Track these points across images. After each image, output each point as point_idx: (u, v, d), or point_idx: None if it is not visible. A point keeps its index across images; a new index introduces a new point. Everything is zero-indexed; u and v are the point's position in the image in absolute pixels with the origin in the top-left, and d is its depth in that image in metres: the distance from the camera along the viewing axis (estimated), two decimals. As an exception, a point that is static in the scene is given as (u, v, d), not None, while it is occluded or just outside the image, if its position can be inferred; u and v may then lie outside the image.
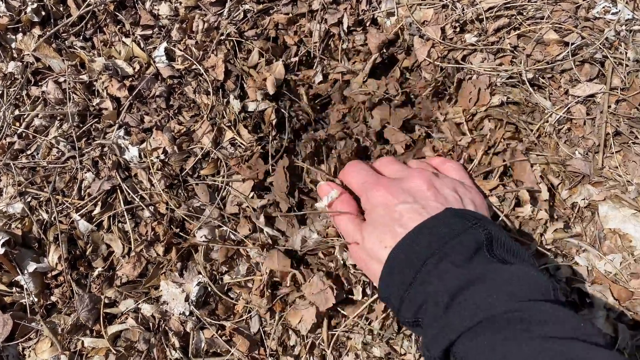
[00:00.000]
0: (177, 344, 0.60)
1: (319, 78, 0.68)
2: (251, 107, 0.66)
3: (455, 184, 0.52)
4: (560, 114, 0.61)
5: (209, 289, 0.60)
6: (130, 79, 0.67)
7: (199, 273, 0.60)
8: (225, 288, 0.62)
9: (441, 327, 0.39)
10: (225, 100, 0.66)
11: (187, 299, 0.60)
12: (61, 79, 0.67)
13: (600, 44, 0.62)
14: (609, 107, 0.61)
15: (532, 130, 0.61)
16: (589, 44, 0.63)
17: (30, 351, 0.62)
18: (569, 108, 0.62)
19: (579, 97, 0.62)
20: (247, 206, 0.61)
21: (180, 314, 0.60)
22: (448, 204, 0.48)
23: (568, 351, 0.34)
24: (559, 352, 0.33)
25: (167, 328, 0.60)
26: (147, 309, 0.61)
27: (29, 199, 0.63)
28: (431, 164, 0.58)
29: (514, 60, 0.65)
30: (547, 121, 0.62)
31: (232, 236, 0.61)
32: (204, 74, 0.66)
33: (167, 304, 0.61)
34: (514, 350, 0.35)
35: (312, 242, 0.58)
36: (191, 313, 0.60)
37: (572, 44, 0.63)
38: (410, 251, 0.44)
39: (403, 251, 0.45)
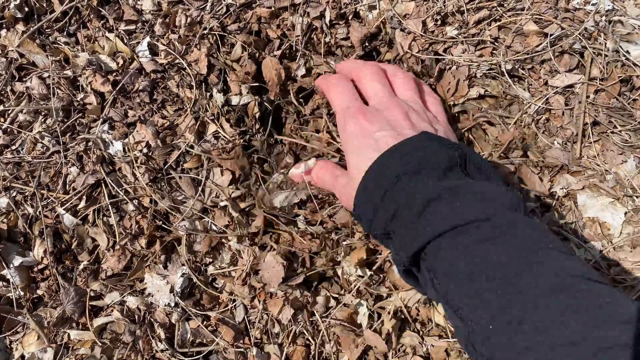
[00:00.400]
0: (162, 335, 0.61)
1: (301, 71, 0.68)
2: (234, 100, 0.67)
3: (431, 120, 0.53)
4: (539, 105, 0.62)
5: (193, 279, 0.61)
6: (114, 73, 0.67)
7: (183, 265, 0.60)
8: (210, 278, 0.63)
9: (412, 232, 0.40)
10: (209, 94, 0.66)
11: (171, 290, 0.61)
12: (45, 75, 0.67)
13: (579, 34, 0.63)
14: (588, 97, 0.62)
15: (507, 125, 0.62)
16: (568, 35, 0.64)
17: (17, 344, 0.63)
18: (547, 99, 0.62)
19: (557, 87, 0.62)
20: (224, 198, 0.62)
21: (165, 305, 0.61)
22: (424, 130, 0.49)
23: (543, 257, 0.35)
24: (532, 253, 0.35)
25: (152, 320, 0.61)
26: (132, 302, 0.62)
27: (14, 194, 0.64)
28: (417, 84, 0.59)
29: (495, 52, 0.66)
30: (526, 112, 0.62)
31: (214, 227, 0.62)
32: (187, 68, 0.66)
33: (152, 295, 0.61)
34: (488, 250, 0.36)
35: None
36: (176, 304, 0.61)
37: (552, 34, 0.64)
38: (385, 167, 0.45)
39: (378, 168, 0.46)
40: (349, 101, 0.55)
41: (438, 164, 0.43)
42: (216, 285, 0.62)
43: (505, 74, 0.63)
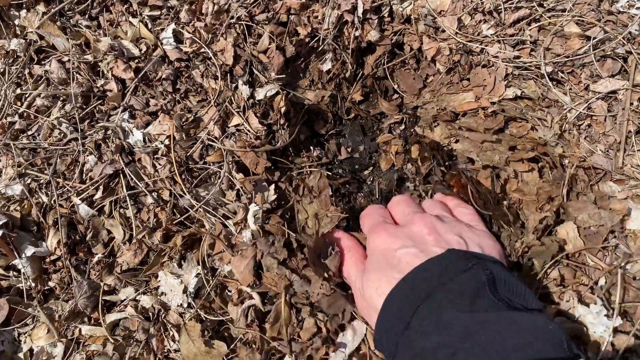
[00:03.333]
0: (176, 337, 0.58)
1: (327, 66, 0.66)
2: (260, 94, 0.64)
3: (461, 229, 0.49)
4: (580, 110, 0.59)
5: (208, 281, 0.58)
6: (137, 60, 0.65)
7: (198, 264, 0.58)
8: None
9: None
10: (234, 85, 0.64)
11: (185, 290, 0.58)
12: (65, 59, 0.65)
13: (623, 38, 0.60)
14: (632, 104, 0.59)
15: (548, 127, 0.59)
16: (611, 39, 0.61)
17: (26, 337, 0.60)
18: (589, 104, 0.60)
19: (600, 93, 0.60)
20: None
21: (178, 305, 0.59)
22: (450, 248, 0.46)
23: None
24: None
25: (165, 321, 0.59)
26: (146, 301, 0.59)
27: (28, 181, 0.62)
28: (447, 204, 0.57)
29: (533, 53, 0.63)
30: (566, 117, 0.60)
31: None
32: (213, 57, 0.64)
33: (165, 295, 0.59)
34: None
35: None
36: (189, 305, 0.58)
37: (594, 37, 0.61)
38: (405, 295, 0.42)
39: (398, 296, 0.43)
40: (375, 221, 0.54)
41: (463, 290, 0.39)
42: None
43: (546, 76, 0.60)
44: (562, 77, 0.62)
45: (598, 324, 0.50)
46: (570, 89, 0.62)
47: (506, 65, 0.62)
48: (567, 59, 0.61)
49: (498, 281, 0.41)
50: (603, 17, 0.63)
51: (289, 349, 0.50)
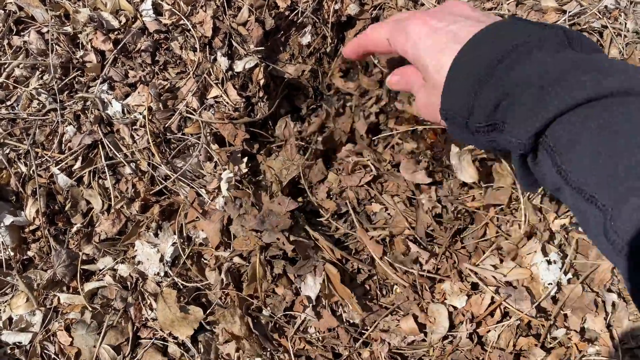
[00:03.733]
0: (154, 305, 0.59)
1: (306, 39, 0.66)
2: (239, 66, 0.64)
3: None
4: None
5: (184, 250, 0.59)
6: (116, 32, 0.65)
7: (174, 233, 0.58)
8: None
9: (531, 112, 0.30)
10: (213, 57, 0.64)
11: (161, 259, 0.59)
12: (44, 30, 0.65)
13: (597, 11, 0.60)
14: None
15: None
16: (587, 12, 0.61)
17: (5, 306, 0.61)
18: None
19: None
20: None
21: (155, 274, 0.59)
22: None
23: None
24: None
25: (143, 290, 0.59)
26: (124, 270, 0.60)
27: (7, 151, 0.62)
28: None
29: None
30: None
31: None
32: (192, 29, 0.64)
33: (142, 264, 0.59)
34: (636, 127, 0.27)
35: None
36: (166, 274, 0.59)
37: (570, 12, 0.61)
38: (477, 53, 0.34)
39: (468, 55, 0.35)
40: (394, 19, 0.43)
41: (545, 41, 0.33)
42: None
43: None
44: None
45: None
46: None
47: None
48: None
49: (576, 39, 0.35)
50: (580, -9, 0.63)
51: (264, 303, 0.51)
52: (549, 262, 0.54)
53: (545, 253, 0.55)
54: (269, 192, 0.55)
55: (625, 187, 0.27)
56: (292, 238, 0.52)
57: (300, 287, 0.52)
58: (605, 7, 0.61)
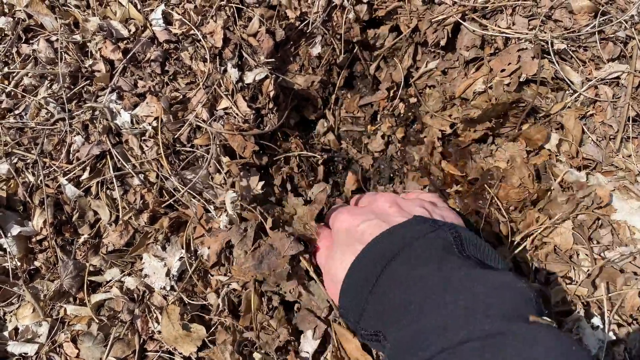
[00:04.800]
0: (160, 318, 0.58)
1: (317, 50, 0.65)
2: (249, 78, 0.64)
3: (424, 204, 0.48)
4: (586, 94, 0.58)
5: (191, 265, 0.58)
6: (125, 41, 0.64)
7: (182, 247, 0.58)
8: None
9: (409, 344, 0.34)
10: (223, 68, 0.63)
11: (168, 273, 0.58)
12: (53, 38, 0.64)
13: (624, 21, 0.59)
14: (636, 88, 0.58)
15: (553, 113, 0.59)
16: (613, 21, 0.60)
17: (11, 316, 0.61)
18: (596, 87, 0.59)
19: (603, 79, 0.59)
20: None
21: (161, 288, 0.59)
22: (415, 215, 0.45)
23: None
24: None
25: (149, 303, 0.59)
26: (131, 282, 0.59)
27: (15, 160, 0.61)
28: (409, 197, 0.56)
29: (542, 26, 0.62)
30: (575, 102, 0.59)
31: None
32: (202, 40, 0.63)
33: (149, 277, 0.59)
34: None
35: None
36: (172, 288, 0.58)
37: (600, 15, 0.60)
38: (370, 259, 0.41)
39: (362, 262, 0.41)
40: (338, 208, 0.53)
41: (430, 248, 0.38)
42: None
43: (552, 53, 0.59)
44: (569, 57, 0.61)
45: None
46: (581, 70, 0.61)
47: (517, 39, 0.61)
48: (572, 34, 0.60)
49: (465, 241, 0.40)
50: (602, 0, 0.62)
51: (257, 337, 0.50)
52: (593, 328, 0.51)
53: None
54: (276, 221, 0.54)
55: None
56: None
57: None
58: (632, 16, 0.60)
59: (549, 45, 0.60)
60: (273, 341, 0.49)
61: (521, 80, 0.59)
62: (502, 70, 0.60)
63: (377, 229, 0.43)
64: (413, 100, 0.69)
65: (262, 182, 0.59)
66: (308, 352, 0.50)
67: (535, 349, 0.30)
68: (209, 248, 0.55)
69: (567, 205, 0.53)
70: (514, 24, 0.63)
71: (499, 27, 0.63)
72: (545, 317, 0.33)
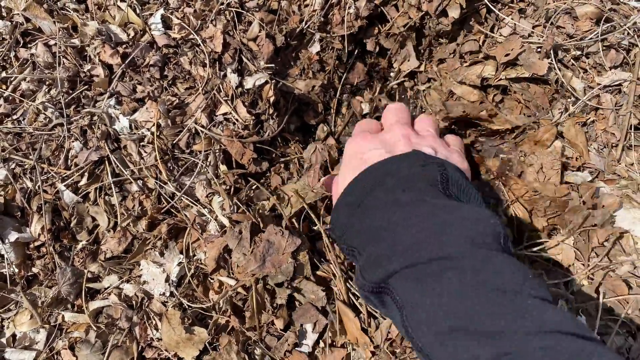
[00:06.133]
0: (159, 325, 0.58)
1: (316, 48, 0.64)
2: (249, 83, 0.63)
3: (436, 143, 0.50)
4: (589, 103, 0.58)
5: (190, 270, 0.58)
6: (124, 45, 0.64)
7: (180, 253, 0.57)
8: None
9: (380, 257, 0.38)
10: (222, 73, 0.63)
11: (167, 279, 0.58)
12: (51, 42, 0.64)
13: (628, 28, 0.58)
14: (638, 96, 0.57)
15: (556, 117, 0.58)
16: (616, 28, 0.59)
17: (9, 322, 0.60)
18: (598, 95, 0.58)
19: (606, 86, 0.58)
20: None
21: (160, 294, 0.58)
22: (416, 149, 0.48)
23: (513, 301, 0.32)
24: (504, 303, 0.32)
25: (148, 310, 0.58)
26: (129, 289, 0.59)
27: (12, 166, 0.61)
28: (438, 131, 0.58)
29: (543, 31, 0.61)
30: (575, 112, 0.58)
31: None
32: (201, 44, 0.62)
33: (147, 283, 0.58)
34: (453, 293, 0.33)
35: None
36: (171, 294, 0.58)
37: (604, 22, 0.59)
38: (362, 182, 0.45)
39: (358, 182, 0.46)
40: (357, 131, 0.56)
41: (415, 181, 0.42)
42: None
43: (553, 60, 0.59)
44: (572, 64, 0.61)
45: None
46: (582, 77, 0.60)
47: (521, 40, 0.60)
48: (572, 41, 0.60)
49: (451, 180, 0.43)
50: (607, 5, 0.61)
51: (259, 340, 0.50)
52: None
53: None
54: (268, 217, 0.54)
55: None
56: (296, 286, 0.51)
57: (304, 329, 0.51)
58: (635, 23, 0.59)
59: (551, 52, 0.59)
60: (281, 346, 0.49)
61: (530, 77, 0.59)
62: (507, 55, 0.59)
63: (379, 157, 0.47)
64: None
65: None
66: (308, 345, 0.51)
67: (493, 273, 0.33)
68: (205, 254, 0.55)
69: (578, 218, 0.53)
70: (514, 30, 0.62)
71: (502, 35, 0.63)
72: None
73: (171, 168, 0.60)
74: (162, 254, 0.59)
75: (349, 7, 0.63)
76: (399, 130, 0.51)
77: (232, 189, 0.59)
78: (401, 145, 0.48)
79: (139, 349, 0.58)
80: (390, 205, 0.41)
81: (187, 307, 0.58)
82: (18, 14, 0.64)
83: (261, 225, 0.54)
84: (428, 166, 0.44)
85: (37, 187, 0.60)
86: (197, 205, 0.59)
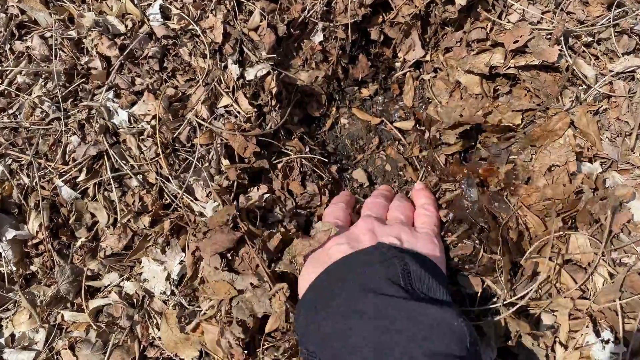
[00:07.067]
0: (160, 324, 0.56)
1: (319, 37, 0.62)
2: (250, 74, 0.61)
3: (402, 231, 0.51)
4: (600, 90, 0.56)
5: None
6: (122, 37, 0.62)
7: (182, 251, 0.56)
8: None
9: None
10: (223, 64, 0.61)
11: (168, 278, 0.56)
12: (48, 34, 0.62)
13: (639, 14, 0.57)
14: None
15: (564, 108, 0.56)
16: (628, 13, 0.58)
17: (7, 322, 0.59)
18: (610, 82, 0.57)
19: (620, 71, 0.56)
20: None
21: (161, 293, 0.57)
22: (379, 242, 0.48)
23: None
24: None
25: (149, 308, 0.57)
26: (130, 287, 0.57)
27: (9, 162, 0.59)
28: (416, 201, 0.59)
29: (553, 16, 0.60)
30: (585, 99, 0.57)
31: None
32: (201, 35, 0.61)
33: (148, 281, 0.57)
34: None
35: None
36: (172, 292, 0.56)
37: (615, 6, 0.57)
38: (323, 282, 0.45)
39: (318, 283, 0.46)
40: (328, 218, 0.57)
41: (376, 278, 0.42)
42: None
43: (563, 46, 0.57)
44: (583, 50, 0.59)
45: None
46: (594, 64, 0.58)
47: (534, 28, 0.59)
48: (586, 27, 0.58)
49: (413, 275, 0.43)
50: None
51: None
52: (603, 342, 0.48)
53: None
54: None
55: None
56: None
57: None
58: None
59: (562, 38, 0.57)
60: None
61: (540, 64, 0.57)
62: (515, 42, 0.57)
63: (342, 253, 0.47)
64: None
65: (265, 192, 0.57)
66: None
67: None
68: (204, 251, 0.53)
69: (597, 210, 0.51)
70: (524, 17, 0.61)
71: (510, 21, 0.61)
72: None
73: (172, 162, 0.59)
74: (163, 252, 0.57)
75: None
76: (363, 223, 0.52)
77: (235, 184, 0.58)
78: (365, 240, 0.49)
79: (141, 348, 0.57)
80: (345, 311, 0.40)
81: (187, 306, 0.56)
82: (13, 5, 0.62)
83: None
84: (389, 261, 0.44)
85: (34, 183, 0.59)
86: (197, 205, 0.57)
